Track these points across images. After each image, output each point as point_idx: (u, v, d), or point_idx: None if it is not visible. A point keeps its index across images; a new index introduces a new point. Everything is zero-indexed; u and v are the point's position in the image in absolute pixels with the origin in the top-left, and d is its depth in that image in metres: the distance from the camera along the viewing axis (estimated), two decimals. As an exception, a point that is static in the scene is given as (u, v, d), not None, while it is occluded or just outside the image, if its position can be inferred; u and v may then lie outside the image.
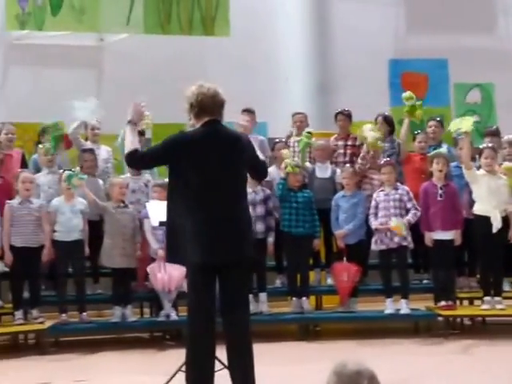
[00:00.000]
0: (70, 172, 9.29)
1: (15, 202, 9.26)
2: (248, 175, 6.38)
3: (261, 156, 6.63)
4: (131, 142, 6.09)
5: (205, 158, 5.93)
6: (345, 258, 9.69)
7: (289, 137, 11.03)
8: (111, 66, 12.64)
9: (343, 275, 9.55)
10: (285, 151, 9.63)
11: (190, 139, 6.07)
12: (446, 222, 9.33)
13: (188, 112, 6.10)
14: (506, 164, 9.40)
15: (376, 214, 9.42)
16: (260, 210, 9.45)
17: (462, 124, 9.23)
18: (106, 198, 9.72)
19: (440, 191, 9.35)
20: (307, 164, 10.24)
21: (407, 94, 10.40)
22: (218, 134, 6.08)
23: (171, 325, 9.35)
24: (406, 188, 9.47)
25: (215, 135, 6.05)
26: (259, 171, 6.60)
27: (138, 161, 6.34)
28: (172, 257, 6.29)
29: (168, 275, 8.90)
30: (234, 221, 6.01)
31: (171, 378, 6.51)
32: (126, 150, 6.11)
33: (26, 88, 12.14)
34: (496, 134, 10.51)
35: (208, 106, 6.01)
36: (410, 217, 9.29)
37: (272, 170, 10.20)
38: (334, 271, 9.76)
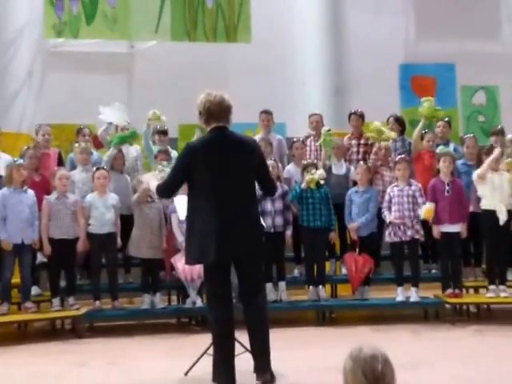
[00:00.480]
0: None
1: (52, 197, 9.31)
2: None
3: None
4: (151, 184, 6.59)
5: (212, 163, 6.05)
6: (357, 250, 9.70)
7: (307, 137, 11.01)
8: (141, 71, 12.64)
9: (352, 265, 9.58)
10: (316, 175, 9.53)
11: (199, 147, 6.22)
12: (453, 215, 9.31)
13: (198, 118, 6.24)
14: (509, 160, 9.33)
15: (390, 208, 9.41)
16: (278, 205, 9.43)
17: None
18: (132, 194, 9.74)
19: (447, 187, 9.34)
20: (327, 162, 10.25)
21: (428, 100, 10.44)
22: (225, 140, 6.18)
23: (197, 311, 9.35)
24: (419, 185, 9.44)
25: (221, 141, 6.17)
26: (266, 187, 6.65)
27: (165, 192, 6.60)
28: (190, 259, 6.36)
29: (194, 268, 8.91)
30: (242, 219, 6.10)
31: (196, 361, 6.57)
32: (153, 189, 6.62)
33: (62, 92, 12.16)
34: (501, 133, 10.48)
35: (215, 112, 6.12)
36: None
37: (290, 167, 10.29)
38: (346, 261, 9.78)
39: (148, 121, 10.04)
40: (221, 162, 6.04)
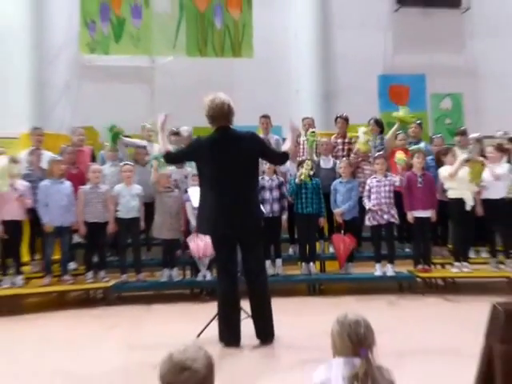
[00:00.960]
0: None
1: (87, 187, 9.33)
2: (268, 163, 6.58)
3: (277, 148, 6.82)
4: (163, 145, 6.53)
5: (216, 157, 6.18)
6: (343, 231, 9.79)
7: (298, 136, 10.96)
8: (160, 81, 12.61)
9: (339, 245, 9.61)
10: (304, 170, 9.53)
11: (204, 144, 6.35)
12: (425, 203, 9.30)
13: (206, 119, 6.37)
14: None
15: (369, 197, 9.40)
16: (275, 193, 9.44)
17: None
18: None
19: (420, 179, 9.33)
20: (314, 157, 10.21)
21: (404, 108, 10.52)
22: (227, 137, 6.29)
23: (207, 283, 9.32)
24: (394, 178, 9.43)
25: (224, 138, 6.28)
26: (274, 158, 6.88)
27: (172, 159, 6.79)
28: (200, 229, 6.65)
29: (201, 245, 8.95)
30: (242, 202, 6.24)
31: (207, 325, 6.59)
32: (162, 150, 6.63)
33: (94, 99, 12.15)
34: (464, 133, 10.48)
35: (217, 116, 6.29)
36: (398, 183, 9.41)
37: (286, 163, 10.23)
38: (333, 241, 9.78)
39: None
40: (222, 156, 6.17)
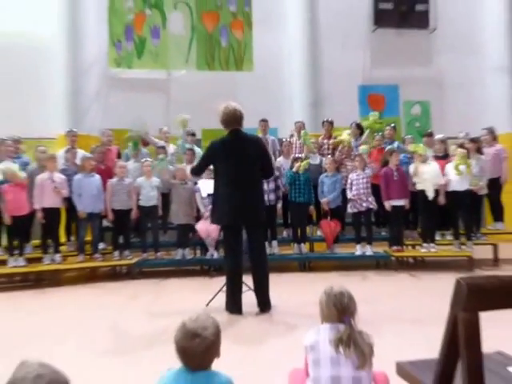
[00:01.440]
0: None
1: (114, 180, 9.31)
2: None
3: (273, 162, 6.89)
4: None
5: (229, 156, 6.21)
6: (329, 217, 9.74)
7: (291, 136, 11.11)
8: (175, 92, 12.58)
9: (327, 228, 9.62)
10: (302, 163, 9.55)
11: (218, 145, 6.36)
12: (399, 193, 9.28)
13: (221, 124, 6.42)
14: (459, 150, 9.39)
15: (351, 189, 9.39)
16: (271, 185, 9.39)
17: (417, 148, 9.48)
18: (172, 178, 9.72)
19: (395, 173, 9.31)
20: (314, 150, 10.33)
21: (374, 114, 10.54)
22: (238, 138, 6.32)
23: (214, 261, 9.33)
24: (370, 172, 9.45)
25: (236, 139, 6.31)
26: (266, 171, 6.61)
27: (197, 172, 6.92)
28: (213, 218, 6.50)
29: (207, 228, 8.96)
30: (249, 197, 6.28)
31: (214, 296, 6.61)
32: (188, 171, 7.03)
33: (120, 106, 12.11)
34: (430, 135, 10.43)
35: (230, 120, 6.34)
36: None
37: (280, 159, 10.32)
38: (321, 226, 9.78)
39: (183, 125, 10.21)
40: (234, 155, 6.21)
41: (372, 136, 10.60)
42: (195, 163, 6.79)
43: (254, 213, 6.32)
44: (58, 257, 8.92)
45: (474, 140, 10.13)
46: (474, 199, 9.61)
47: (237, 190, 6.14)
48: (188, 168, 9.51)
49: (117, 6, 11.97)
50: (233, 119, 6.28)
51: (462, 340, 1.93)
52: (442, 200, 9.25)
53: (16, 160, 9.23)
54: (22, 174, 8.70)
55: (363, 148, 9.62)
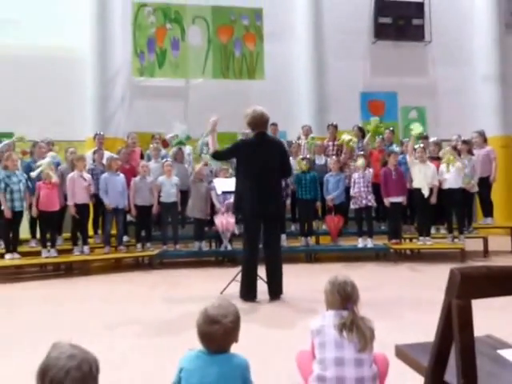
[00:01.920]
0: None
1: (137, 179, 9.34)
2: None
3: (291, 163, 6.93)
4: (213, 145, 6.50)
5: (254, 155, 6.22)
6: (333, 213, 9.78)
7: (298, 138, 11.15)
8: (193, 98, 12.61)
9: (331, 223, 9.64)
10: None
11: (246, 144, 6.47)
12: (398, 191, 9.28)
13: (247, 126, 6.41)
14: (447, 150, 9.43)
15: (353, 187, 9.38)
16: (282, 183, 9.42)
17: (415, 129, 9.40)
18: (189, 177, 9.76)
19: (394, 173, 9.30)
20: (312, 155, 10.30)
21: (375, 120, 10.49)
22: (264, 140, 6.35)
23: (228, 253, 9.35)
24: (372, 171, 9.43)
25: (262, 140, 6.32)
26: (285, 172, 6.65)
27: (218, 157, 6.74)
28: (237, 210, 6.61)
29: (225, 223, 8.96)
30: (271, 192, 6.27)
31: (228, 284, 6.60)
32: (211, 151, 6.65)
33: (143, 111, 12.17)
34: (426, 138, 10.42)
35: (257, 123, 6.33)
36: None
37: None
38: (326, 221, 9.82)
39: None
40: (258, 155, 6.22)
41: (373, 139, 10.57)
42: (220, 149, 6.67)
43: (275, 207, 6.33)
44: (86, 248, 8.95)
45: (465, 142, 10.15)
46: (466, 196, 9.64)
47: (261, 186, 6.15)
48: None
49: (140, 21, 12.03)
50: (260, 122, 6.29)
51: (455, 325, 1.94)
52: (433, 200, 9.23)
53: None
54: (54, 175, 8.73)
55: (360, 162, 9.49)
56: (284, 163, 6.46)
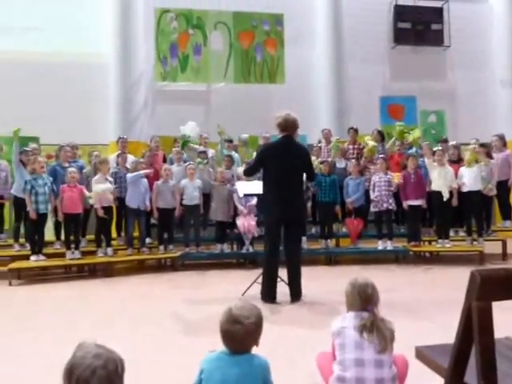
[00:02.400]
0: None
1: (160, 182, 9.34)
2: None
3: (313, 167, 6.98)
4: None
5: (279, 159, 6.24)
6: (353, 216, 9.77)
7: (319, 141, 11.17)
8: (215, 102, 12.66)
9: (351, 226, 9.64)
10: None
11: (272, 147, 6.51)
12: (417, 194, 9.25)
13: (276, 127, 6.40)
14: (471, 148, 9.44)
15: (373, 190, 9.35)
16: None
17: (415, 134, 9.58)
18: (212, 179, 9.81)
19: (413, 176, 9.28)
20: (336, 158, 10.27)
21: (400, 125, 10.46)
22: (290, 144, 6.38)
23: (249, 255, 9.37)
24: (391, 175, 9.38)
25: (289, 143, 6.35)
26: (309, 176, 6.72)
27: (250, 172, 6.79)
28: (261, 212, 6.70)
29: (246, 225, 8.97)
30: (294, 195, 6.29)
31: (250, 286, 6.60)
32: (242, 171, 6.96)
33: (165, 115, 12.21)
34: (446, 141, 10.39)
35: (288, 126, 6.34)
36: (393, 188, 9.31)
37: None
38: (346, 223, 9.81)
39: (221, 133, 10.20)
40: (283, 158, 6.24)
41: (394, 143, 10.51)
42: (247, 166, 6.75)
43: (298, 210, 6.36)
44: (110, 250, 9.01)
45: (483, 145, 10.07)
46: (485, 199, 9.56)
47: (283, 189, 6.18)
48: (227, 172, 9.64)
49: (163, 27, 12.11)
50: (290, 127, 6.32)
51: (475, 326, 1.94)
52: (454, 202, 9.17)
53: (73, 164, 9.36)
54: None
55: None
56: (308, 167, 6.53)
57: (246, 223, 8.99)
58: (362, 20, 13.25)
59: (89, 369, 1.62)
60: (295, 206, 6.28)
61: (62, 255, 8.81)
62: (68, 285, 8.08)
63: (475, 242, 9.35)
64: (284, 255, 6.39)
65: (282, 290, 6.31)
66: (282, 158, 6.21)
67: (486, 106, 13.71)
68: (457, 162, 9.68)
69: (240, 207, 9.28)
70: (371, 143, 10.21)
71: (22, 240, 9.25)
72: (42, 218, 8.63)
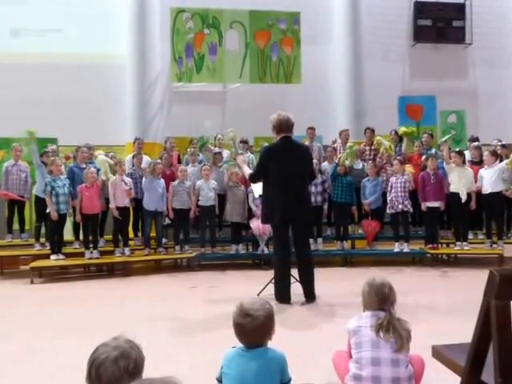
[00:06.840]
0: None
1: (176, 183, 9.42)
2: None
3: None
4: (246, 173, 6.79)
5: (281, 160, 6.22)
6: (370, 217, 9.72)
7: (333, 142, 11.14)
8: (230, 103, 12.74)
9: (367, 228, 9.60)
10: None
11: (271, 149, 6.44)
12: (435, 195, 9.22)
13: (272, 130, 6.39)
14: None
15: (390, 191, 9.32)
16: (319, 188, 9.46)
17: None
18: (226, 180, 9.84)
19: (432, 177, 9.25)
20: (347, 162, 10.12)
21: (405, 128, 10.39)
22: (289, 144, 6.33)
23: (265, 256, 9.38)
24: (407, 176, 9.33)
25: (287, 145, 6.31)
26: (310, 176, 6.79)
27: (256, 178, 6.60)
28: (266, 216, 6.45)
29: (261, 227, 8.99)
30: (298, 197, 6.29)
31: (265, 287, 6.60)
32: (247, 176, 6.81)
33: (181, 116, 12.32)
34: (476, 140, 10.49)
35: (282, 126, 6.30)
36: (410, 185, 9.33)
37: (324, 164, 10.24)
38: (362, 225, 9.78)
39: (233, 137, 10.20)
40: (285, 159, 6.22)
41: (411, 146, 10.45)
42: (251, 171, 6.74)
43: (301, 212, 6.30)
44: (127, 250, 9.12)
45: (504, 146, 10.01)
46: (507, 202, 9.49)
47: (286, 190, 6.15)
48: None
49: (178, 27, 12.15)
50: (285, 126, 6.29)
51: (493, 325, 1.95)
52: (473, 205, 9.14)
53: (90, 165, 9.46)
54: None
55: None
56: (309, 168, 6.56)
57: (261, 225, 9.00)
58: (380, 18, 13.21)
59: (103, 355, 1.76)
60: (299, 205, 6.27)
61: (81, 255, 8.96)
62: (87, 283, 8.25)
63: (494, 245, 9.28)
64: (295, 255, 6.41)
65: (296, 290, 6.33)
66: (283, 160, 6.19)
67: (508, 105, 13.61)
68: (478, 163, 9.61)
69: (254, 208, 9.29)
70: (385, 142, 10.18)
71: (42, 240, 9.40)
72: (62, 218, 8.82)
